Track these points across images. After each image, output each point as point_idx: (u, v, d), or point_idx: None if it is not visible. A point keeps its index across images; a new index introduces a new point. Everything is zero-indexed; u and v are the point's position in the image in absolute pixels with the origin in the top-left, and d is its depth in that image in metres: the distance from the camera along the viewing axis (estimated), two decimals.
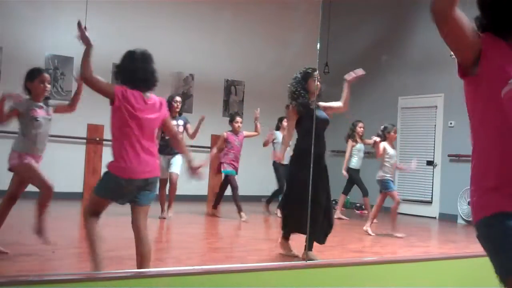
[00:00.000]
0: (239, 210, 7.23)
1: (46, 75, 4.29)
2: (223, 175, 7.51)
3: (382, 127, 6.75)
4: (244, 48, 10.44)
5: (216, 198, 7.61)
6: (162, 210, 6.81)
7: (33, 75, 4.24)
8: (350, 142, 8.11)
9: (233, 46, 10.32)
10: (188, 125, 6.94)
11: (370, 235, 6.34)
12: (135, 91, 3.27)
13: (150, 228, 5.09)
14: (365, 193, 8.03)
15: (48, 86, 4.27)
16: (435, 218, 9.02)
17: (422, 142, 9.58)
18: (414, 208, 9.39)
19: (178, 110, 6.93)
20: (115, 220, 6.38)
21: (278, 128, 7.72)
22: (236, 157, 7.47)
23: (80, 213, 7.62)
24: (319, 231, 4.48)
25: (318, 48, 8.38)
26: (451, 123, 9.01)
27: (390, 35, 10.24)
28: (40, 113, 4.18)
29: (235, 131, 7.53)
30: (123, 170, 3.20)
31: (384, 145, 6.55)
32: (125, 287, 2.59)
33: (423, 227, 7.72)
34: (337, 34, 9.83)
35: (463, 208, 8.42)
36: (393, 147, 6.68)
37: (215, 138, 10.06)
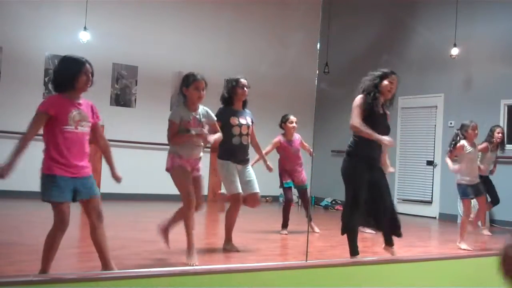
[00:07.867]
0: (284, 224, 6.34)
1: (202, 82, 4.10)
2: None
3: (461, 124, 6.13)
4: (245, 48, 10.45)
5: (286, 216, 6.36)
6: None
7: (188, 81, 4.10)
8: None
9: (234, 46, 10.33)
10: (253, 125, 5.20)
11: (467, 249, 5.65)
12: None
13: (150, 228, 5.09)
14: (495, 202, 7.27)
15: (203, 93, 4.10)
16: (435, 218, 9.03)
17: (422, 142, 9.58)
18: (414, 208, 9.40)
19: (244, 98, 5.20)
20: (115, 221, 6.38)
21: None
22: (294, 167, 6.41)
23: (80, 213, 7.61)
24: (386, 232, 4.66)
25: (318, 48, 8.41)
26: (451, 123, 9.01)
27: (390, 35, 10.24)
28: (192, 124, 4.11)
29: (289, 135, 6.36)
30: None
31: (463, 143, 5.94)
32: (125, 287, 2.59)
33: (423, 227, 7.71)
34: (337, 34, 9.85)
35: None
36: (473, 146, 5.99)
37: None
